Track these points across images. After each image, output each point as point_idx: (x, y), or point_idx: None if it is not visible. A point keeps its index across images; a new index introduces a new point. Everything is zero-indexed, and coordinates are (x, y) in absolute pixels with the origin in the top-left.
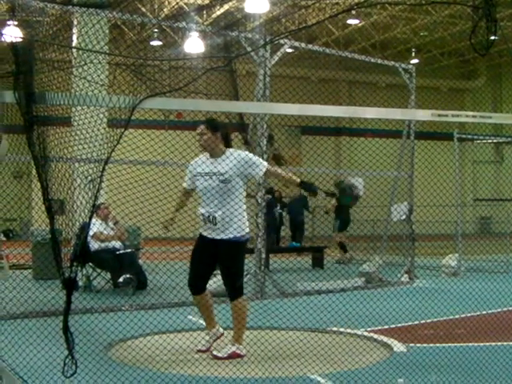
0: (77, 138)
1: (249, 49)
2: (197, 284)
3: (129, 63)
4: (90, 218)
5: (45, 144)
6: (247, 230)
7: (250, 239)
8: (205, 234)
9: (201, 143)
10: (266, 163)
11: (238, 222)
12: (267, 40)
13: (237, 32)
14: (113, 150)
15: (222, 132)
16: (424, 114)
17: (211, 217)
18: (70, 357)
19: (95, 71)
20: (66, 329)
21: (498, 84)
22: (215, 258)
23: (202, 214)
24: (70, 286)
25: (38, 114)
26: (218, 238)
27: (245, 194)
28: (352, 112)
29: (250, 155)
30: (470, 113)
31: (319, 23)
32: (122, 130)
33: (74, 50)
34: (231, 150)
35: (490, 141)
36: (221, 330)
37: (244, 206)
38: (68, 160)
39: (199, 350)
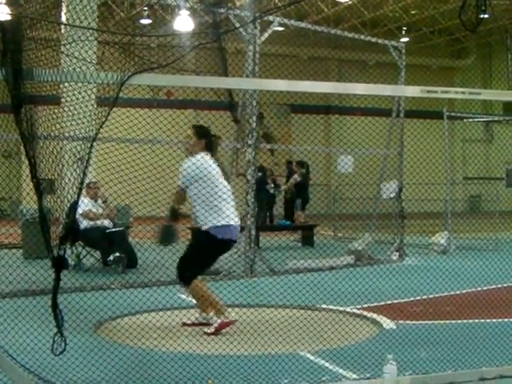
0: (65, 114)
1: (236, 23)
2: None
3: (117, 40)
4: (79, 196)
5: (32, 121)
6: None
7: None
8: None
9: (186, 146)
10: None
11: None
12: (256, 15)
13: (226, 9)
14: (101, 127)
15: (207, 141)
16: (413, 91)
17: None
18: (58, 334)
19: (82, 47)
20: (54, 306)
21: (488, 62)
22: None
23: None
24: (58, 263)
25: (25, 91)
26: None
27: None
28: (342, 88)
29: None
30: (460, 89)
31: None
32: (111, 106)
33: (62, 27)
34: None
35: (479, 119)
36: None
37: None
38: (56, 137)
39: (184, 324)
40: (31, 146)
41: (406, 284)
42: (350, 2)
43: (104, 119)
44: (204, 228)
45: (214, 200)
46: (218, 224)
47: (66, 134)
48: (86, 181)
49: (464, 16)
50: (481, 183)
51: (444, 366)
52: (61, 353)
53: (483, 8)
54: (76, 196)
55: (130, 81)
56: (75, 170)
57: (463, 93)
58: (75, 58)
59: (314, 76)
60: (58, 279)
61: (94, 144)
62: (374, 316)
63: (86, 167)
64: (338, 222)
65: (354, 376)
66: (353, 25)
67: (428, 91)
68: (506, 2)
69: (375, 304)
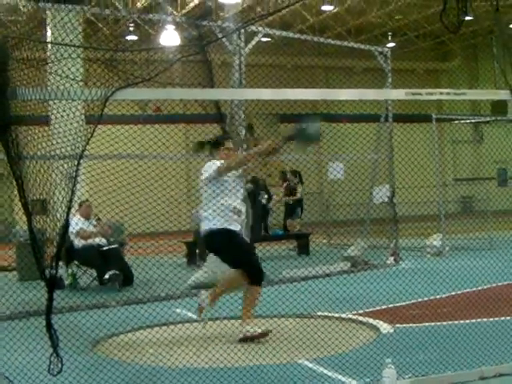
0: (52, 133)
1: (220, 36)
2: None
3: (100, 55)
4: (67, 215)
5: (18, 140)
6: None
7: None
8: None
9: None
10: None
11: None
12: (239, 25)
13: (210, 21)
14: (87, 144)
15: None
16: (398, 94)
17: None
18: (54, 354)
19: (65, 64)
20: (49, 326)
21: (474, 64)
22: None
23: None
24: (51, 282)
25: (11, 111)
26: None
27: None
28: (326, 94)
29: None
30: (445, 90)
31: (290, 6)
32: (96, 123)
33: (48, 46)
34: None
35: (468, 121)
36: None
37: None
38: (43, 156)
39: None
40: (18, 166)
41: (402, 287)
42: (334, 11)
43: (90, 136)
44: None
45: None
46: None
47: (53, 153)
48: (78, 200)
49: (446, 18)
50: (472, 184)
51: (443, 368)
52: (58, 373)
53: (464, 9)
54: (66, 215)
55: (114, 96)
56: (63, 189)
57: (448, 93)
58: (59, 76)
59: (300, 84)
60: (51, 299)
61: (86, 162)
62: (371, 321)
63: (75, 185)
64: (330, 229)
65: (354, 382)
66: (338, 33)
67: (413, 93)
68: (487, 4)
69: (372, 309)
